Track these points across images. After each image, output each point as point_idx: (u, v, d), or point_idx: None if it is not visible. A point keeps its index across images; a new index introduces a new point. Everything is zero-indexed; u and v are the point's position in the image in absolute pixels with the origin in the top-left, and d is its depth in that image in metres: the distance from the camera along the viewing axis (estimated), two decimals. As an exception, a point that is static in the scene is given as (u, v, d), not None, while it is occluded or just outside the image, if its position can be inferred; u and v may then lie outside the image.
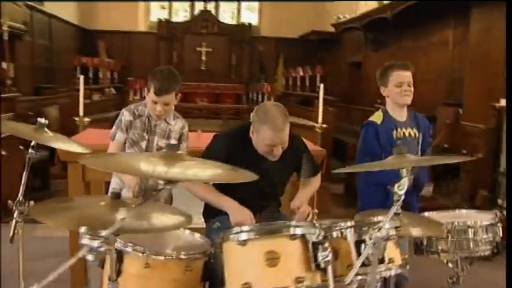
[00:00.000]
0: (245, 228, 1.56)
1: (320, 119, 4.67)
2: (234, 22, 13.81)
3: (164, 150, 1.48)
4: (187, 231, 2.12)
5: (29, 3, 8.60)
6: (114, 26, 12.39)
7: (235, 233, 1.54)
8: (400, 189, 1.52)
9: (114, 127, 2.60)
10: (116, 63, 11.70)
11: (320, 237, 1.56)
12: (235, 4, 13.96)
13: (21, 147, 4.60)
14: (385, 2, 7.05)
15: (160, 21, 13.18)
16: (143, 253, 1.83)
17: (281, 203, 2.56)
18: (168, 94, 2.44)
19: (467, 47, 5.72)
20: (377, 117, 2.69)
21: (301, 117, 7.42)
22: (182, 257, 1.84)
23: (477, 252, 2.16)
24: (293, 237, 1.49)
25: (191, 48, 13.33)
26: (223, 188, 2.31)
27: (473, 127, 4.94)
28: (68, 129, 4.32)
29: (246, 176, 1.44)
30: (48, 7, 9.59)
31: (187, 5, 13.79)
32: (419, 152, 2.66)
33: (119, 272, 1.88)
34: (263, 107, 2.28)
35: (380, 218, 1.72)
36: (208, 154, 2.28)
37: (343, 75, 10.65)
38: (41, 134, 2.03)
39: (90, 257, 1.31)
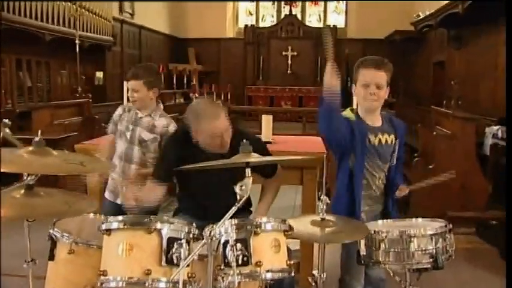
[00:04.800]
0: (119, 218, 1.64)
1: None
2: (320, 25, 13.70)
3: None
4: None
5: (118, 17, 9.50)
6: (204, 34, 13.06)
7: (105, 222, 1.63)
8: (242, 189, 1.46)
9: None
10: (195, 69, 12.37)
11: (189, 235, 1.61)
12: (321, 7, 13.84)
13: None
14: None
15: (246, 26, 13.58)
16: (68, 240, 2.02)
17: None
18: (134, 80, 2.68)
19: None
20: (349, 115, 2.32)
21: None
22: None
23: (411, 265, 1.96)
24: (149, 230, 1.55)
25: (277, 53, 13.54)
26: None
27: None
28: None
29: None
30: (138, 19, 10.48)
31: (273, 10, 14.02)
32: (394, 160, 2.36)
33: (52, 256, 2.12)
34: (191, 107, 2.29)
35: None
36: (161, 160, 2.47)
37: (428, 75, 10.05)
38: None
39: None
